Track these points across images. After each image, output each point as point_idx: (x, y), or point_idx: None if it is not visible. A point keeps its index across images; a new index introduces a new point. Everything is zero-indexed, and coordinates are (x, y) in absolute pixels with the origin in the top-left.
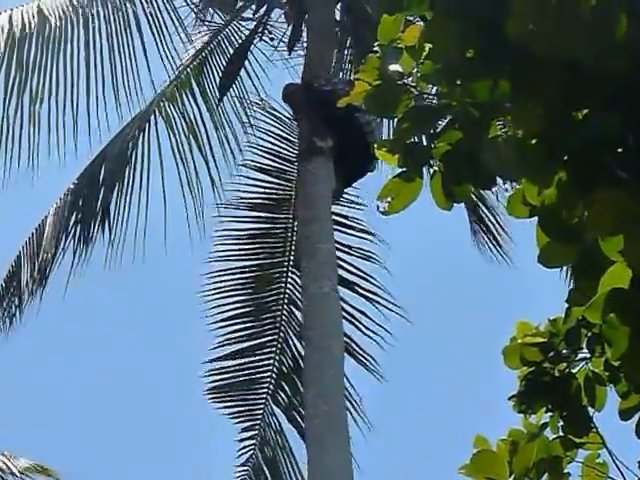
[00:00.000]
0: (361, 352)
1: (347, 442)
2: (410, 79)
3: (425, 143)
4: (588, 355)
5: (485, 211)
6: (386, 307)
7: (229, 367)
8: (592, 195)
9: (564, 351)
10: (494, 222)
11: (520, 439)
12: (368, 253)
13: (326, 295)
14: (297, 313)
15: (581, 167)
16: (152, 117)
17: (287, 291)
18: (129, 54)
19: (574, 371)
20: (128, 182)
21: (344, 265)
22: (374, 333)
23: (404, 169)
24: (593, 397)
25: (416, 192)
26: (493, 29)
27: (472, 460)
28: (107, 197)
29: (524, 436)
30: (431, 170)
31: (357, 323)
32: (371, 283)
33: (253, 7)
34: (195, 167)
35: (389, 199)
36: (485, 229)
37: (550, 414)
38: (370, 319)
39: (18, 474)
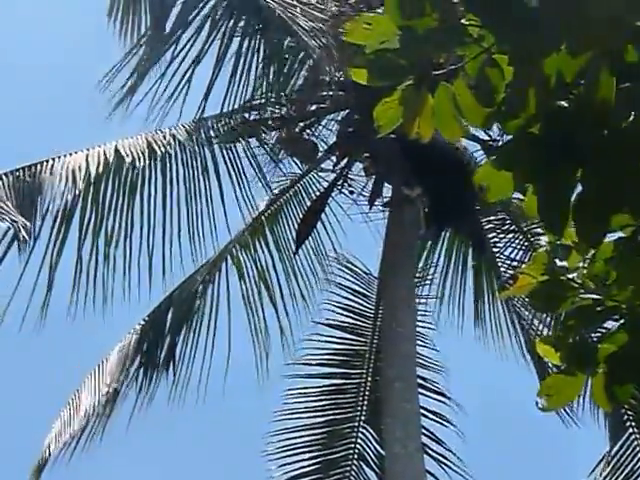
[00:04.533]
0: None
1: None
2: (575, 275)
3: (590, 341)
4: None
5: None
6: (456, 472)
7: None
8: None
9: None
10: None
11: None
12: (442, 416)
13: (410, 455)
14: (366, 469)
15: None
16: (224, 262)
17: (357, 447)
18: (206, 199)
19: None
20: (195, 326)
21: None
22: None
23: (567, 366)
24: None
25: (578, 389)
26: None
27: None
28: (173, 341)
29: None
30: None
31: None
32: (442, 446)
33: (333, 159)
34: (264, 317)
35: (549, 395)
36: None
37: None
38: None
39: None
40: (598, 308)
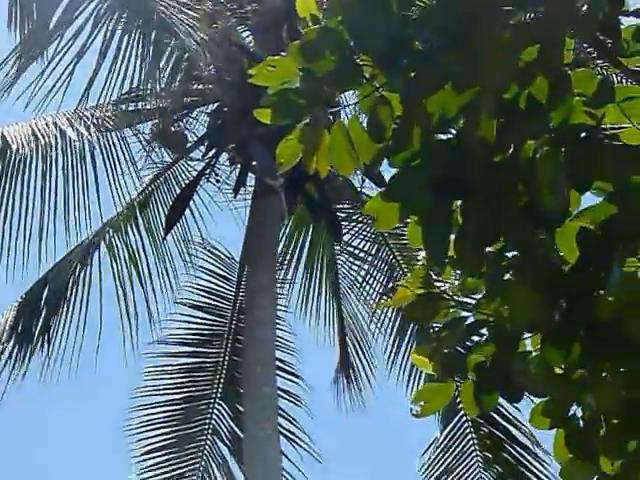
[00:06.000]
0: None
1: None
2: (449, 289)
3: (461, 352)
4: None
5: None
6: (306, 450)
7: None
8: None
9: None
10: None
11: None
12: (295, 396)
13: (267, 437)
14: (220, 444)
15: None
16: (97, 245)
17: (212, 422)
18: (82, 184)
19: None
20: (69, 305)
21: None
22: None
23: (438, 376)
24: None
25: (448, 398)
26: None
27: None
28: (48, 317)
29: None
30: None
31: None
32: (292, 424)
33: (202, 149)
34: (134, 297)
35: (422, 403)
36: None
37: None
38: (289, 460)
39: None
40: (468, 320)
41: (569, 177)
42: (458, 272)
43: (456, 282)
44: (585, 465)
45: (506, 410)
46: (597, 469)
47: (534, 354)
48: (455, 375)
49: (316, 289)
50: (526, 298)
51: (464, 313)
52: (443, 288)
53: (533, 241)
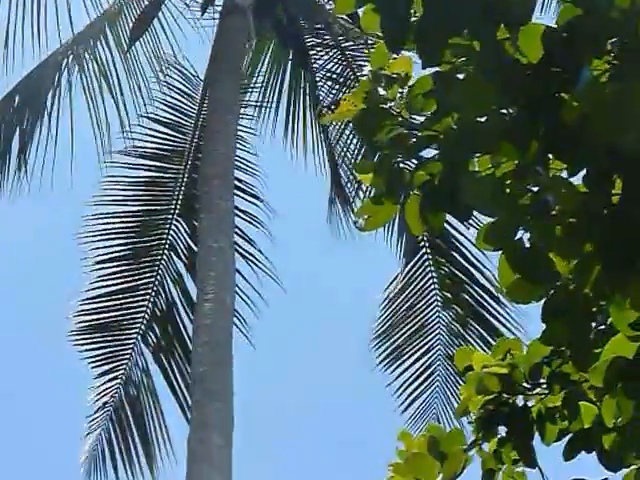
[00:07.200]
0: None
1: (230, 388)
2: (394, 105)
3: (405, 169)
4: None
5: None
6: (264, 272)
7: (101, 307)
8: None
9: (524, 384)
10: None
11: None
12: (254, 217)
13: (222, 250)
14: (176, 259)
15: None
16: (66, 57)
17: (169, 237)
18: None
19: (530, 404)
20: (40, 117)
21: None
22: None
23: (383, 192)
24: (543, 432)
25: (391, 214)
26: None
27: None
28: (22, 130)
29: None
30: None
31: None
32: (252, 246)
33: None
34: (105, 109)
35: (366, 217)
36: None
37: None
38: (246, 281)
39: None
40: (415, 137)
41: None
42: (405, 89)
43: (402, 100)
44: (531, 286)
45: (468, 251)
46: (542, 292)
47: (483, 174)
48: (399, 191)
49: (300, 115)
50: (483, 89)
51: (411, 130)
52: (389, 105)
53: (495, 36)
